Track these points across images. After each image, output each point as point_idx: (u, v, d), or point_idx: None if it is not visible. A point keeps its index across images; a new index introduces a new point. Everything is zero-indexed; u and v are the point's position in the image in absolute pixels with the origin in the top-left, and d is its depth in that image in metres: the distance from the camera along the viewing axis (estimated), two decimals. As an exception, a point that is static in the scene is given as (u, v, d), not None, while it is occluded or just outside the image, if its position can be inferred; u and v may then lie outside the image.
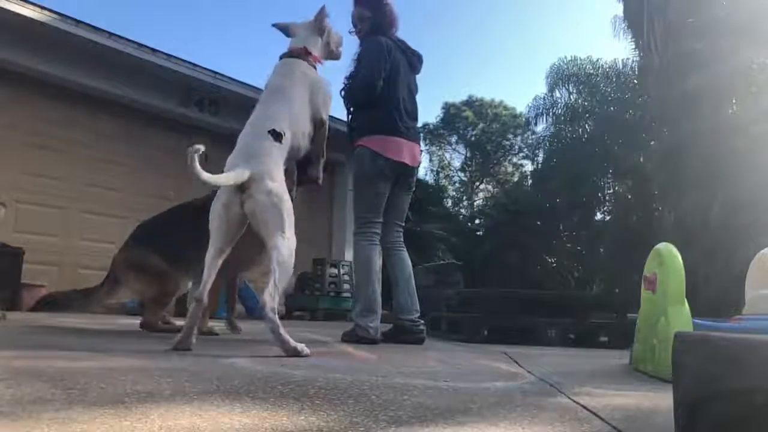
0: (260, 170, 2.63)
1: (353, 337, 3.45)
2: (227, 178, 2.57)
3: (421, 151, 3.99)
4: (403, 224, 3.88)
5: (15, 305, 5.65)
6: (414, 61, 3.91)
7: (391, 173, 3.64)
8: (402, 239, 3.83)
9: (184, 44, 41.95)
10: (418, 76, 4.00)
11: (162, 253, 3.46)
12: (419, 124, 4.04)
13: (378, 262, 3.63)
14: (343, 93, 3.81)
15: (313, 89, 3.11)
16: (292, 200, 2.78)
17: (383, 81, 3.63)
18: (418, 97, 3.96)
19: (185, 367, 1.84)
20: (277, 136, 2.82)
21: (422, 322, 3.69)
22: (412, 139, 3.76)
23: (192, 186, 4.02)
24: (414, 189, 3.94)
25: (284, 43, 3.34)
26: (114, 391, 1.33)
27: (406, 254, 3.80)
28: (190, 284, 3.62)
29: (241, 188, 2.61)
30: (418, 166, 3.88)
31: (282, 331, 2.42)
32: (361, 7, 3.85)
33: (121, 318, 3.80)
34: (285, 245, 2.56)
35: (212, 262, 2.63)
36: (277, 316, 2.43)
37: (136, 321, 3.75)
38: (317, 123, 3.17)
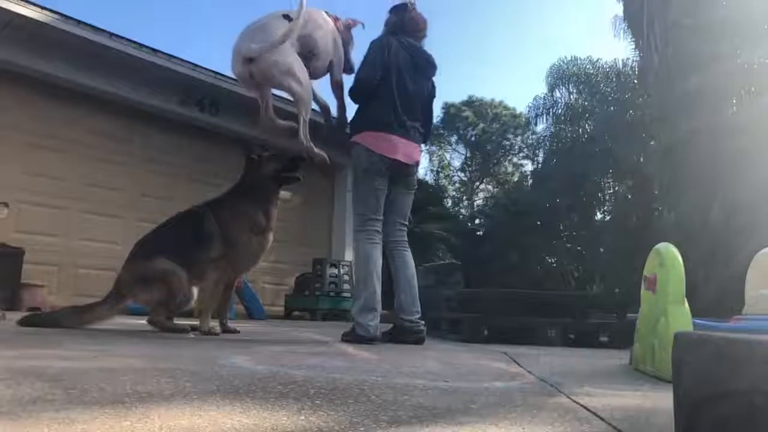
0: (264, 46, 3.31)
1: (353, 336, 3.46)
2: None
3: (422, 151, 3.98)
4: (406, 223, 3.87)
5: (15, 305, 5.65)
6: (422, 62, 3.90)
7: (386, 169, 3.65)
8: (405, 238, 3.83)
9: (184, 45, 41.94)
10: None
11: (168, 255, 3.48)
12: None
13: (378, 260, 3.64)
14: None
15: (337, 45, 3.85)
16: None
17: (382, 79, 3.66)
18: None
19: (185, 367, 1.84)
20: (287, 17, 3.44)
21: (423, 323, 3.69)
22: (410, 139, 3.74)
23: (190, 186, 4.03)
24: (415, 188, 3.94)
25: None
26: (114, 391, 1.33)
27: (409, 254, 3.80)
28: (195, 291, 3.64)
29: (250, 59, 3.33)
30: (416, 165, 3.87)
31: (315, 148, 3.55)
32: (390, 13, 3.99)
33: (121, 318, 3.80)
34: (300, 87, 3.40)
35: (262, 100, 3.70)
36: (311, 144, 3.49)
37: (136, 321, 3.76)
38: (334, 81, 3.90)
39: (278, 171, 3.73)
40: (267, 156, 3.75)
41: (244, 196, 3.65)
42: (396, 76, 3.71)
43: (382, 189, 3.67)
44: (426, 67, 3.93)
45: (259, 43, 3.36)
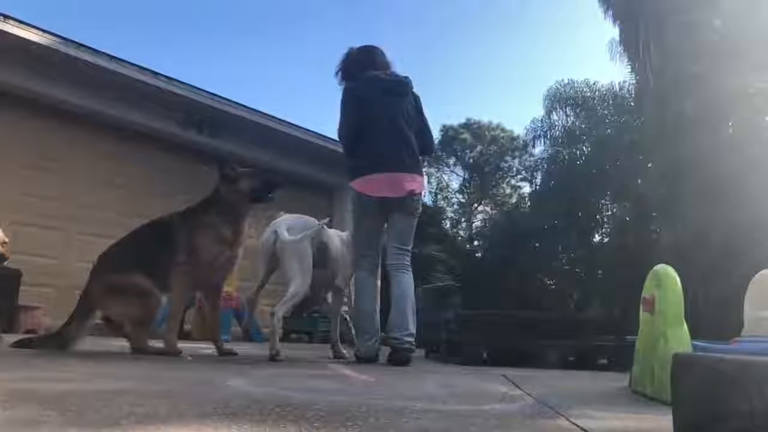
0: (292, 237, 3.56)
1: (355, 357, 3.79)
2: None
3: (420, 175, 3.95)
4: (405, 247, 3.88)
5: (12, 327, 5.61)
6: (393, 87, 3.95)
7: (376, 208, 3.85)
8: (404, 262, 3.86)
9: (183, 66, 42.27)
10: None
11: (140, 268, 3.43)
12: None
13: (371, 287, 3.93)
14: None
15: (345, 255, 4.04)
16: None
17: (361, 124, 3.88)
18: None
19: (182, 389, 1.82)
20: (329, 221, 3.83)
21: (409, 340, 3.65)
22: (400, 170, 3.82)
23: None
24: (416, 214, 3.95)
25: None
26: (110, 413, 1.32)
27: (404, 275, 3.81)
28: (164, 299, 3.58)
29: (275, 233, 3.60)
30: (410, 194, 3.84)
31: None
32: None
33: (117, 340, 3.77)
34: (302, 280, 3.57)
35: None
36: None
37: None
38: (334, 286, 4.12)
39: (254, 189, 3.74)
40: (244, 172, 3.76)
41: (214, 209, 3.65)
42: (365, 116, 3.86)
43: (372, 227, 3.95)
44: (394, 88, 3.97)
45: (294, 228, 3.62)
